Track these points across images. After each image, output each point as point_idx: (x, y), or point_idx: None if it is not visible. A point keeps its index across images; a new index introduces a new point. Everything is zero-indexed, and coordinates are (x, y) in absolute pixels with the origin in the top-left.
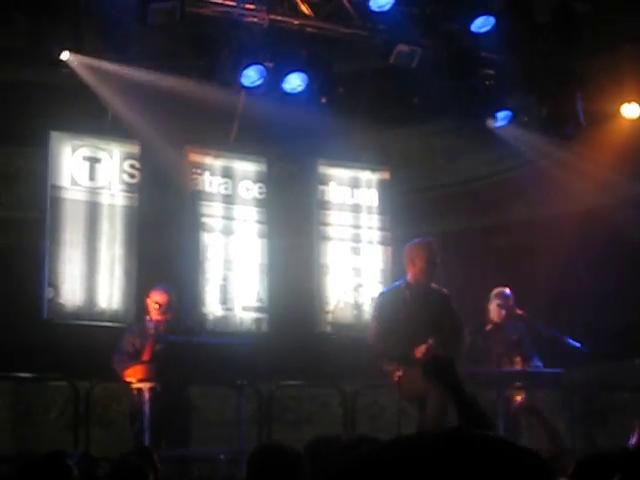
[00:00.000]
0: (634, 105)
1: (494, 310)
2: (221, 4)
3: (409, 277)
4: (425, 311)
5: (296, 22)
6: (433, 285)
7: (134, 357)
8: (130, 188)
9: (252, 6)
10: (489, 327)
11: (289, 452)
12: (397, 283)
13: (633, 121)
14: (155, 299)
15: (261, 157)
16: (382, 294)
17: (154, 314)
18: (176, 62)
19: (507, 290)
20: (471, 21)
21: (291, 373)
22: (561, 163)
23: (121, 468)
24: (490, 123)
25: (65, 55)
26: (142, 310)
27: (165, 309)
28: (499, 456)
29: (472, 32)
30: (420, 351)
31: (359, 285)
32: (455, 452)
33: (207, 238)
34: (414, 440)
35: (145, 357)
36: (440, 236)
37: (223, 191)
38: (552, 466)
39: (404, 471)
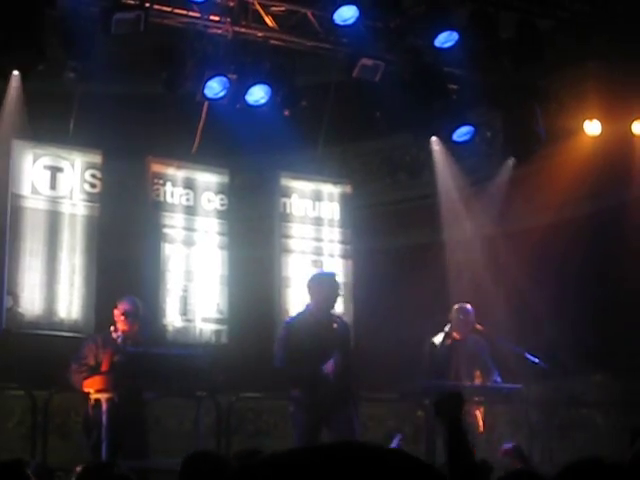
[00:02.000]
0: (596, 122)
1: (455, 325)
2: (185, 15)
3: (311, 306)
4: (327, 335)
5: (260, 34)
6: (334, 312)
7: (94, 369)
8: (91, 198)
9: (216, 17)
10: (449, 342)
11: (221, 460)
12: (300, 312)
13: (595, 138)
14: (122, 309)
15: (223, 169)
16: (287, 324)
17: (121, 325)
18: (139, 72)
19: (468, 306)
20: (435, 36)
21: (250, 385)
22: (522, 179)
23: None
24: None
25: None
26: (102, 320)
27: (132, 319)
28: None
29: (436, 47)
30: (328, 367)
31: None
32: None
33: (168, 249)
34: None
35: (103, 368)
36: (401, 250)
37: (185, 202)
38: None
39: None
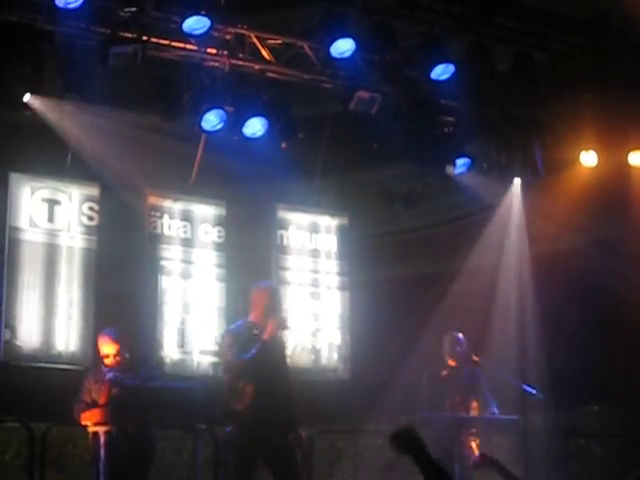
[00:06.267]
0: (592, 153)
1: (450, 354)
2: (182, 48)
3: (252, 317)
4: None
5: (257, 67)
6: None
7: (91, 405)
8: (89, 230)
9: (213, 50)
10: (445, 372)
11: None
12: (240, 322)
13: (591, 169)
14: (102, 350)
15: (220, 201)
16: (229, 330)
17: (106, 361)
18: (137, 105)
19: (460, 334)
20: (431, 69)
21: None
22: (520, 210)
23: None
24: (449, 170)
25: (27, 97)
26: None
27: (114, 355)
28: None
29: (432, 79)
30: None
31: (317, 330)
32: None
33: (165, 281)
34: None
35: (101, 400)
36: (399, 281)
37: (182, 234)
38: None
39: None
